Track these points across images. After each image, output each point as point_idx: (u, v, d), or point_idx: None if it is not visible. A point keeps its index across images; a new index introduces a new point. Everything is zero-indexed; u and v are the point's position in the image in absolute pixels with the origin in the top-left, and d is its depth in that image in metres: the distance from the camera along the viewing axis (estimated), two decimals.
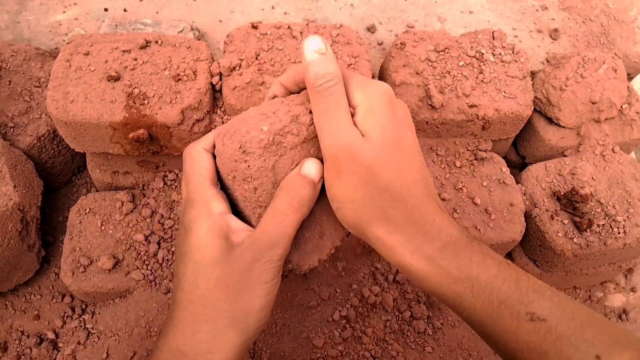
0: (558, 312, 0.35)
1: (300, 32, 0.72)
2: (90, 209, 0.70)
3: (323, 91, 0.37)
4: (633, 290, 0.87)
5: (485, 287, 0.36)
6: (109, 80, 0.65)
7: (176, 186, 0.73)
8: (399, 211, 0.37)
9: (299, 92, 0.43)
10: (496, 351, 0.38)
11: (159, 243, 0.67)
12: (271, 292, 0.37)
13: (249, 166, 0.39)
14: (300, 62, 0.40)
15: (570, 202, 0.74)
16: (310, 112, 0.40)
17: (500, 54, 0.76)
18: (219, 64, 0.68)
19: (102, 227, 0.68)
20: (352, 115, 0.38)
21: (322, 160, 0.39)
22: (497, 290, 0.36)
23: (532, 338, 0.35)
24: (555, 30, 1.03)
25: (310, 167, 0.39)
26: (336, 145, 0.37)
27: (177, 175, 0.74)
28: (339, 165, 0.37)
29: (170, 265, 0.66)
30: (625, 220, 0.73)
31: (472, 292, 0.36)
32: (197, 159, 0.40)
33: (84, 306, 0.70)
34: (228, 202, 0.40)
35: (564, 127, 0.80)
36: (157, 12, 0.98)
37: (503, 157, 0.81)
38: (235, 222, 0.39)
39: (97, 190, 0.79)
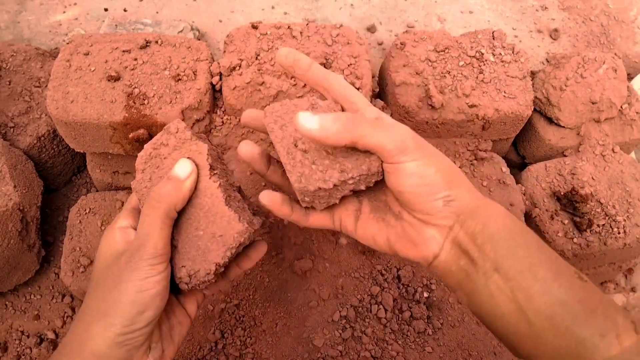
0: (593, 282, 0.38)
1: (300, 32, 0.72)
2: (90, 209, 0.70)
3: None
4: (633, 290, 0.87)
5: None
6: (109, 80, 0.65)
7: None
8: (460, 177, 0.41)
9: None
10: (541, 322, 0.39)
11: None
12: (144, 290, 0.38)
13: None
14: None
15: (570, 202, 0.74)
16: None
17: (500, 54, 0.76)
18: (219, 64, 0.68)
19: (102, 227, 0.68)
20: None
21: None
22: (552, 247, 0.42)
23: (585, 294, 0.36)
24: (555, 30, 1.03)
25: (177, 166, 0.42)
26: (399, 133, 0.39)
27: None
28: (412, 144, 0.39)
29: None
30: (625, 220, 0.73)
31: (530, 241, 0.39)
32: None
33: None
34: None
35: (564, 127, 0.80)
36: (157, 12, 0.98)
37: (503, 157, 0.81)
38: (131, 235, 0.43)
39: (97, 190, 0.79)
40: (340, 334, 0.64)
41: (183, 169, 0.42)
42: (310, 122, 0.37)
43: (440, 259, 0.40)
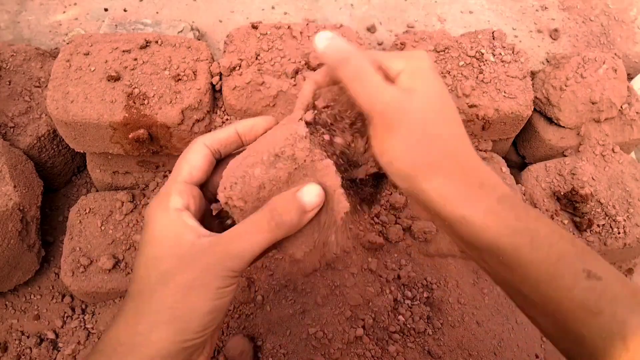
0: (613, 272, 0.35)
1: (300, 32, 0.72)
2: (90, 209, 0.70)
3: (344, 63, 0.38)
4: None
5: (544, 240, 0.36)
6: (109, 80, 0.65)
7: None
8: (452, 162, 0.37)
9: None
10: (543, 317, 0.37)
11: None
12: (222, 298, 0.36)
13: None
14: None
15: (570, 202, 0.74)
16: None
17: (500, 54, 0.76)
18: (219, 64, 0.68)
19: (102, 227, 0.68)
20: (394, 80, 0.38)
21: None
22: (556, 244, 0.36)
23: (588, 296, 0.34)
24: (555, 30, 1.03)
25: (309, 192, 0.37)
26: (381, 102, 0.37)
27: None
28: (389, 120, 0.37)
29: None
30: (625, 220, 0.72)
31: (532, 244, 0.36)
32: (189, 151, 0.40)
33: (84, 306, 0.70)
34: (197, 200, 0.39)
35: (564, 127, 0.80)
36: (157, 12, 0.98)
37: (503, 157, 0.81)
38: (191, 220, 0.38)
39: (97, 190, 0.79)
40: (341, 334, 0.64)
41: (315, 198, 0.37)
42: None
43: None
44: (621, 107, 0.82)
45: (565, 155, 0.81)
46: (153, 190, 0.73)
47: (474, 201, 0.36)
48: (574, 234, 0.72)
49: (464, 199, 0.36)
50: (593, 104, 0.77)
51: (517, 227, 0.36)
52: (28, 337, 0.67)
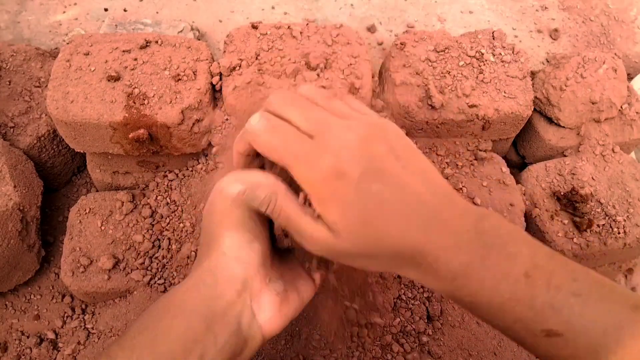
0: (578, 324, 0.34)
1: (300, 32, 0.72)
2: (90, 209, 0.70)
3: (271, 213, 0.38)
4: (633, 290, 0.87)
5: (499, 309, 0.36)
6: (109, 80, 0.65)
7: (176, 186, 0.72)
8: (408, 264, 0.37)
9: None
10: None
11: (159, 243, 0.67)
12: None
13: None
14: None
15: (570, 202, 0.74)
16: None
17: (500, 54, 0.76)
18: (219, 64, 0.68)
19: (102, 227, 0.68)
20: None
21: None
22: (511, 311, 0.35)
23: (550, 350, 0.35)
24: (555, 30, 1.03)
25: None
26: (322, 251, 0.37)
27: (177, 175, 0.74)
28: (339, 258, 0.38)
29: (170, 265, 0.66)
30: (625, 220, 0.72)
31: (488, 313, 0.36)
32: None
33: (84, 306, 0.70)
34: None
35: (564, 127, 0.80)
36: (157, 12, 0.98)
37: (503, 157, 0.81)
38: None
39: (97, 190, 0.79)
40: (341, 334, 0.64)
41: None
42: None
43: None
44: (621, 107, 0.82)
45: (565, 155, 0.81)
46: (153, 190, 0.73)
47: (428, 283, 0.38)
48: (574, 233, 0.72)
49: (419, 281, 0.40)
50: (593, 104, 0.77)
51: (470, 302, 0.37)
52: (28, 337, 0.67)
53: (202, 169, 0.73)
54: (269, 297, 0.39)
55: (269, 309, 0.39)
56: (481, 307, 0.36)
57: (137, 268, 0.66)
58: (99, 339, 0.65)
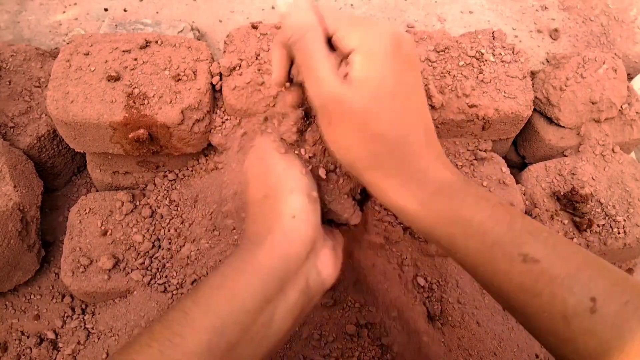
0: (552, 253, 0.34)
1: None
2: (90, 209, 0.70)
3: (295, 44, 0.38)
4: None
5: (478, 228, 0.36)
6: (109, 80, 0.65)
7: (176, 186, 0.72)
8: (392, 158, 0.38)
9: None
10: (490, 293, 0.39)
11: (159, 243, 0.67)
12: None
13: None
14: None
15: (570, 202, 0.74)
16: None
17: (500, 54, 0.76)
18: (219, 64, 0.68)
19: (102, 227, 0.68)
20: (347, 61, 0.37)
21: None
22: (490, 231, 0.36)
23: (525, 279, 0.34)
24: (555, 30, 1.03)
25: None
26: (321, 96, 0.37)
27: (177, 175, 0.74)
28: (329, 115, 0.37)
29: (170, 265, 0.66)
30: (625, 220, 0.73)
31: (465, 233, 0.36)
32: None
33: (84, 306, 0.70)
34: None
35: (564, 127, 0.80)
36: (157, 12, 0.98)
37: (503, 157, 0.81)
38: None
39: (97, 190, 0.79)
40: (341, 334, 0.64)
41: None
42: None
43: None
44: (621, 107, 0.82)
45: (565, 155, 0.81)
46: (153, 190, 0.73)
47: (408, 195, 0.38)
48: (573, 234, 0.72)
49: (398, 192, 0.38)
50: (593, 104, 0.77)
51: (450, 217, 0.37)
52: (28, 337, 0.67)
53: (202, 169, 0.73)
54: (328, 253, 0.43)
55: (329, 265, 0.43)
56: (461, 224, 0.37)
57: (137, 268, 0.66)
58: (98, 339, 0.65)
